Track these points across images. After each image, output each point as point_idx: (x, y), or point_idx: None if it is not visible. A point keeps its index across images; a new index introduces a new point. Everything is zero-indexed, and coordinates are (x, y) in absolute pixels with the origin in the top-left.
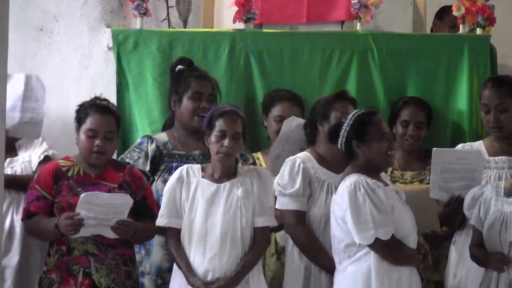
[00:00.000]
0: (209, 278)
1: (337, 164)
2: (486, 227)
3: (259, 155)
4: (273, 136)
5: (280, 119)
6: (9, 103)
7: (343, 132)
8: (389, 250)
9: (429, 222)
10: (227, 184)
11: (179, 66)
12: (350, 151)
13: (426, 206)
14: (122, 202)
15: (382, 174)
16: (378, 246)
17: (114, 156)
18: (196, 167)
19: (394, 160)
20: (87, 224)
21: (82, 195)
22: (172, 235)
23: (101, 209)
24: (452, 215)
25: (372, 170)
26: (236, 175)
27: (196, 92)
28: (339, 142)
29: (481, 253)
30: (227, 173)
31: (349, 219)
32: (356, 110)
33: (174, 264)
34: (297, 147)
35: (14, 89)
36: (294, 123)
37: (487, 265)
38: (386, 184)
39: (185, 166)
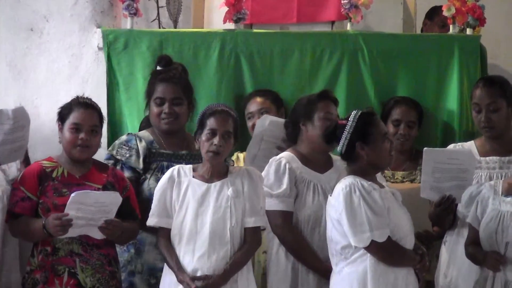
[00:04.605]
0: None
1: (320, 164)
2: (482, 226)
3: (240, 154)
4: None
5: (250, 116)
6: None
7: (346, 134)
8: (385, 252)
9: (421, 222)
10: (217, 184)
11: (158, 67)
12: (351, 152)
13: (418, 206)
14: (112, 201)
15: (378, 176)
16: (374, 248)
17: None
18: (188, 167)
19: (393, 160)
20: (75, 224)
21: (72, 194)
22: (163, 234)
23: (90, 208)
24: (443, 215)
25: (371, 171)
26: (227, 175)
27: (158, 97)
28: (341, 143)
29: (478, 251)
30: (218, 173)
31: (345, 221)
32: (355, 111)
33: (165, 264)
34: (273, 145)
35: (3, 124)
36: (267, 122)
37: (482, 264)
38: (382, 186)
39: (177, 166)
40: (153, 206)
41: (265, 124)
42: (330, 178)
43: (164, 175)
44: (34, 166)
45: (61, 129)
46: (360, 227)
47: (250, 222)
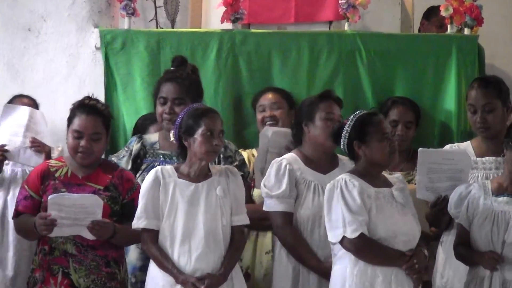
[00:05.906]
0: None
1: (323, 164)
2: (475, 226)
3: (254, 152)
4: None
5: (262, 109)
6: (12, 130)
7: (345, 133)
8: (357, 248)
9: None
10: (204, 183)
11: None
12: (353, 152)
13: (416, 207)
14: (91, 203)
15: (394, 176)
16: (346, 244)
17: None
18: (169, 167)
19: (396, 159)
20: (61, 223)
21: (49, 197)
22: (151, 237)
23: (71, 210)
24: (439, 215)
25: (372, 170)
26: (210, 174)
27: (161, 96)
28: (341, 143)
29: (470, 252)
30: (204, 173)
31: (325, 217)
32: (357, 111)
33: (150, 267)
34: (278, 155)
35: (18, 119)
36: (270, 133)
37: (476, 264)
38: (385, 185)
39: (158, 167)
40: (139, 208)
41: (268, 135)
42: (333, 178)
43: (147, 177)
44: (40, 166)
45: (67, 130)
46: (334, 223)
47: (237, 221)
